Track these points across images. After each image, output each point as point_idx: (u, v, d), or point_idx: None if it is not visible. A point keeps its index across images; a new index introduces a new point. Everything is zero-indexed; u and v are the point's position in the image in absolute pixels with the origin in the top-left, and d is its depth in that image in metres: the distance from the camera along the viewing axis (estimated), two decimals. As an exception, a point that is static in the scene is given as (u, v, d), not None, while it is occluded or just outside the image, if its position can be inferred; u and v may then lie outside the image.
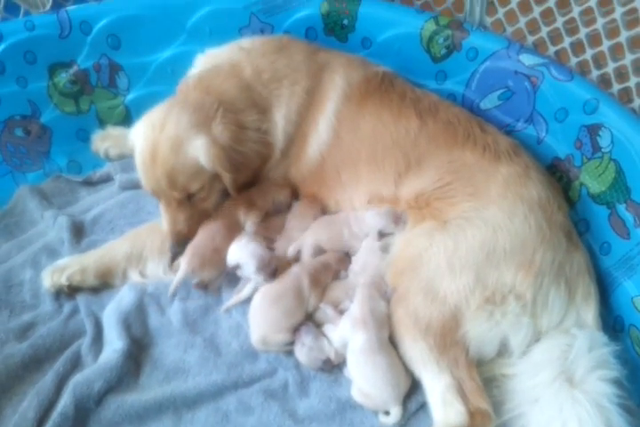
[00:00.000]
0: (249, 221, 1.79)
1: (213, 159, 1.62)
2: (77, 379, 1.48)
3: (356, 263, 1.71)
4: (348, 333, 1.51)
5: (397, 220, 1.70)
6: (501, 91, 1.91)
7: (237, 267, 1.64)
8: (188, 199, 1.69)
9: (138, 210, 1.98)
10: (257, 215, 1.81)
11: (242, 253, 1.65)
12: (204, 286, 1.71)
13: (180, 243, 1.71)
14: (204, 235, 1.73)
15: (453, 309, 1.46)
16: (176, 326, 1.64)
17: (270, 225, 1.83)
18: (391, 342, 1.51)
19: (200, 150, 1.61)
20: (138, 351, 1.58)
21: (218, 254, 1.69)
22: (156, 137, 1.62)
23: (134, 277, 1.75)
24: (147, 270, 1.76)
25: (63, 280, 1.69)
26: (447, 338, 1.45)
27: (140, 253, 1.75)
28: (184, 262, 1.67)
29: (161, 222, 1.75)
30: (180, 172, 1.62)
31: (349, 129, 1.79)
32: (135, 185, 1.99)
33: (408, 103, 1.78)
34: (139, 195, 2.01)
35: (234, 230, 1.75)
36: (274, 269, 1.63)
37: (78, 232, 1.90)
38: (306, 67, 1.82)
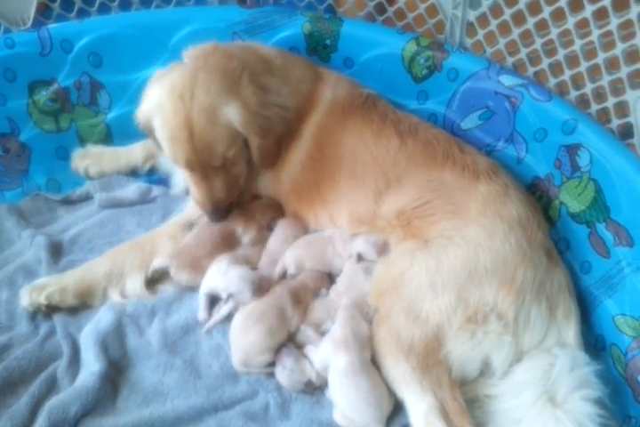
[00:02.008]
0: (247, 234, 1.80)
1: (245, 123, 1.61)
2: (53, 402, 1.44)
3: (341, 284, 1.71)
4: (329, 354, 1.49)
5: (381, 251, 1.70)
6: (482, 111, 1.92)
7: (230, 296, 1.63)
8: (222, 166, 1.68)
9: (117, 229, 1.96)
10: (254, 229, 1.82)
11: (229, 280, 1.63)
12: (177, 287, 1.72)
13: (222, 211, 1.73)
14: (197, 237, 1.74)
15: (435, 329, 1.45)
16: (155, 347, 1.62)
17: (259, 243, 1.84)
18: (373, 363, 1.49)
19: (233, 115, 1.59)
20: (115, 374, 1.55)
21: (202, 261, 1.69)
22: (187, 108, 1.57)
23: (114, 296, 1.73)
24: (127, 289, 1.74)
25: (42, 299, 1.67)
26: (430, 358, 1.44)
27: (121, 271, 1.74)
28: (165, 257, 1.69)
29: (193, 197, 1.75)
30: (219, 140, 1.60)
31: (330, 142, 1.79)
32: (115, 204, 1.97)
33: (389, 123, 1.79)
34: (118, 214, 1.99)
35: (228, 241, 1.77)
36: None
37: (56, 252, 1.87)
38: (310, 70, 1.87)
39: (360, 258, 1.71)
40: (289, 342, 1.57)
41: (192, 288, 1.73)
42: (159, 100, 1.63)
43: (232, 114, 1.59)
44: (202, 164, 1.64)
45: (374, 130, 1.77)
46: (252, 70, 1.70)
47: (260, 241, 1.83)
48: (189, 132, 1.58)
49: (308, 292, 1.69)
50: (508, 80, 1.84)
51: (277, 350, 1.54)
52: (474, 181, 1.65)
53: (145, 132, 1.74)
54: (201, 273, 1.70)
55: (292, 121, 1.77)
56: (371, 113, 1.81)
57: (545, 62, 1.80)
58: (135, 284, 1.74)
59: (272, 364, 1.54)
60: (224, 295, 1.64)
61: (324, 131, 1.80)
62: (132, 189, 2.09)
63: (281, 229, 1.85)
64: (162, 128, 1.63)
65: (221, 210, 1.74)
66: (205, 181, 1.69)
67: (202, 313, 1.67)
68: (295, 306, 1.62)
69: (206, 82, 1.59)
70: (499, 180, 1.68)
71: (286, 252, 1.76)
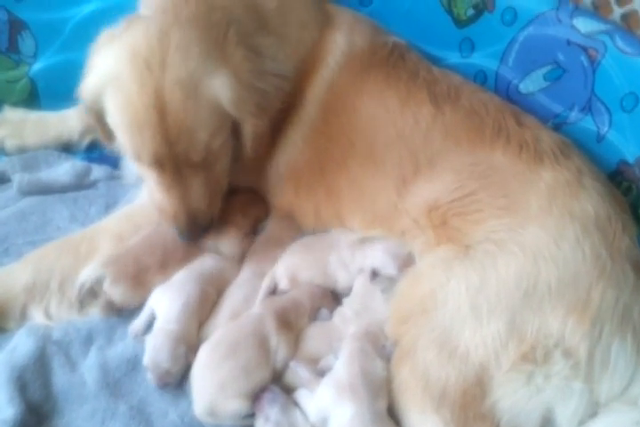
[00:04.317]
0: (228, 244, 1.84)
1: (238, 100, 1.61)
2: (-53, 466, 1.44)
3: (349, 306, 1.72)
4: (329, 403, 1.47)
5: (403, 266, 1.71)
6: (548, 68, 1.92)
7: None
8: (201, 162, 1.67)
9: (43, 224, 1.96)
10: (237, 236, 1.86)
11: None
12: (108, 307, 1.72)
13: (199, 228, 1.74)
14: (147, 240, 1.78)
15: (478, 369, 1.44)
16: (91, 387, 1.61)
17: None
18: (390, 416, 1.48)
19: (222, 89, 1.59)
20: (36, 423, 1.53)
21: (149, 274, 1.73)
22: (157, 82, 1.55)
23: (37, 316, 1.73)
24: (53, 308, 1.74)
25: None
26: (469, 410, 1.42)
27: (47, 282, 1.73)
28: (98, 263, 1.71)
29: (157, 206, 1.74)
30: (202, 126, 1.60)
31: (342, 111, 1.81)
32: (41, 189, 1.97)
33: (421, 84, 1.80)
34: (45, 203, 2.00)
35: (189, 250, 1.79)
36: None
37: (-41, 253, 1.88)
38: (316, 11, 1.89)
39: (375, 275, 1.73)
40: (273, 385, 1.55)
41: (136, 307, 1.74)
42: (115, 70, 1.59)
43: (220, 88, 1.59)
44: (176, 160, 1.62)
45: (401, 93, 1.79)
46: (241, 25, 1.68)
47: (244, 253, 1.87)
48: (160, 113, 1.55)
49: (301, 313, 1.69)
50: (585, 25, 1.83)
51: (257, 396, 1.51)
52: (535, 166, 1.65)
53: (89, 115, 1.72)
54: (144, 290, 1.71)
55: (293, 83, 1.80)
56: (397, 70, 1.83)
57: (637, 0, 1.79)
58: (65, 300, 1.73)
59: (250, 414, 1.51)
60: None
61: (335, 94, 1.83)
62: (65, 169, 2.09)
63: (271, 232, 1.88)
64: (119, 110, 1.60)
65: (199, 226, 1.74)
66: (179, 184, 1.68)
67: (138, 323, 1.68)
68: (283, 333, 1.61)
69: (182, 44, 1.57)
70: (570, 164, 1.67)
71: (278, 261, 1.79)
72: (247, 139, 1.70)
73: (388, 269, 1.71)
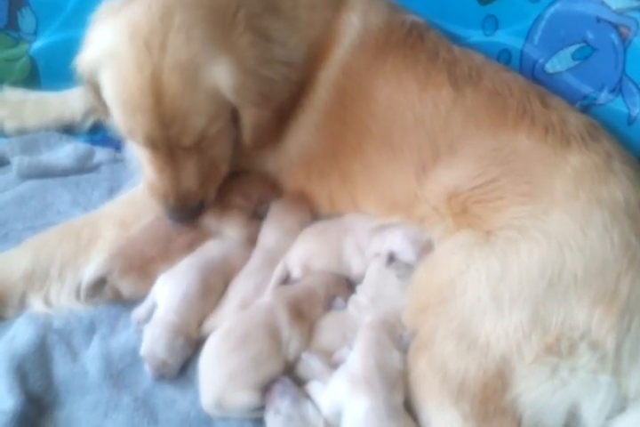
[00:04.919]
0: (230, 227, 1.84)
1: (240, 88, 1.62)
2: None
3: (364, 294, 1.71)
4: (343, 396, 1.47)
5: (422, 252, 1.72)
6: (577, 46, 1.91)
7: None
8: (196, 146, 1.69)
9: (43, 208, 1.97)
10: (240, 219, 1.86)
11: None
12: (111, 295, 1.73)
13: (190, 209, 1.75)
14: (149, 231, 1.79)
15: (499, 361, 1.44)
16: (94, 377, 1.62)
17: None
18: (407, 410, 1.48)
19: (223, 76, 1.60)
20: (36, 414, 1.55)
21: (152, 264, 1.74)
22: (156, 63, 1.56)
23: (36, 305, 1.75)
24: (54, 296, 1.75)
25: None
26: (490, 404, 1.42)
27: (47, 269, 1.75)
28: (103, 258, 1.71)
29: (148, 183, 1.76)
30: (199, 112, 1.61)
31: (357, 94, 1.82)
32: (41, 172, 1.98)
33: (440, 66, 1.80)
34: (45, 187, 2.01)
35: (195, 236, 1.81)
36: None
37: (-44, 239, 1.89)
38: None
39: (392, 259, 1.73)
40: (284, 377, 1.55)
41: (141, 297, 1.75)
42: (113, 46, 1.60)
43: (221, 75, 1.60)
44: (169, 142, 1.64)
45: (419, 75, 1.79)
46: (251, 8, 1.68)
47: (250, 237, 1.86)
48: (156, 97, 1.57)
49: (315, 302, 1.70)
50: (616, 1, 1.81)
51: (268, 388, 1.52)
52: (562, 150, 1.65)
53: (86, 88, 1.74)
54: (152, 279, 1.72)
55: (304, 68, 1.81)
56: (415, 50, 1.83)
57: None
58: (66, 288, 1.75)
59: (260, 407, 1.51)
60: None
61: (350, 77, 1.84)
62: (66, 151, 2.10)
63: (279, 216, 1.86)
64: (115, 89, 1.62)
65: (189, 207, 1.75)
66: (171, 164, 1.70)
67: (141, 310, 1.70)
68: (295, 323, 1.62)
69: (185, 25, 1.58)
70: (598, 147, 1.67)
71: (291, 248, 1.80)
72: (246, 128, 1.71)
73: (407, 254, 1.71)
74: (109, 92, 1.64)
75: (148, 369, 1.59)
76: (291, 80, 1.76)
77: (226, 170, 1.83)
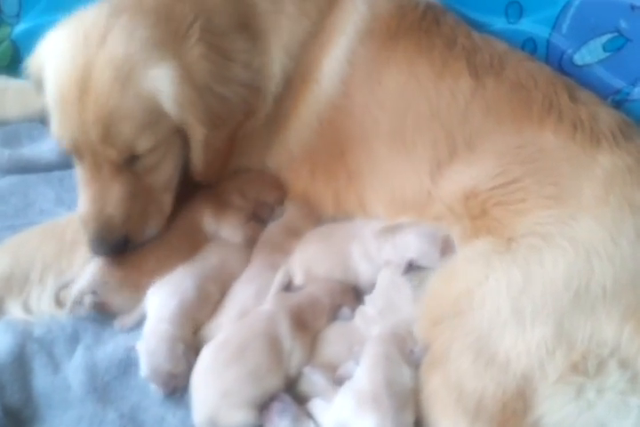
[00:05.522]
0: (225, 227, 1.84)
1: (183, 100, 1.61)
2: None
3: (373, 304, 1.71)
4: (349, 415, 1.45)
5: (446, 249, 1.71)
6: (609, 37, 1.91)
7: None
8: (128, 165, 1.67)
9: (25, 206, 1.98)
10: (236, 218, 1.86)
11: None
12: (100, 308, 1.71)
13: (110, 242, 1.69)
14: None
15: (520, 380, 1.43)
16: (77, 391, 1.61)
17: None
18: None
19: (163, 83, 1.60)
20: None
21: (148, 275, 1.72)
22: (89, 55, 1.58)
23: (15, 311, 1.74)
24: (34, 301, 1.74)
25: None
26: (509, 426, 1.41)
27: (27, 273, 1.75)
28: (94, 266, 1.70)
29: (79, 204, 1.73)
30: (124, 115, 1.60)
31: (366, 84, 1.81)
32: (23, 167, 1.99)
33: (459, 53, 1.80)
34: (27, 183, 2.02)
35: (192, 242, 1.82)
36: None
37: None
38: None
39: (411, 267, 1.72)
40: (284, 394, 1.54)
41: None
42: (57, 42, 1.66)
43: (160, 81, 1.60)
44: (94, 152, 1.63)
45: (435, 62, 1.79)
46: (210, 25, 1.69)
47: (251, 239, 1.86)
48: (82, 91, 1.58)
49: (319, 312, 1.70)
50: None
51: (266, 406, 1.50)
52: (591, 149, 1.64)
53: (36, 89, 1.76)
54: (144, 292, 1.70)
55: (304, 59, 1.83)
56: (430, 35, 1.82)
57: None
58: (47, 293, 1.74)
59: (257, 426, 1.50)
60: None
61: (357, 67, 1.83)
62: (50, 145, 2.10)
63: (286, 219, 1.88)
64: (49, 82, 1.65)
65: (108, 239, 1.70)
66: (96, 182, 1.68)
67: (128, 317, 1.70)
68: (297, 334, 1.62)
69: (131, 25, 1.62)
70: (631, 147, 1.67)
71: (293, 252, 1.80)
72: (195, 150, 1.70)
73: (428, 258, 1.71)
74: (46, 89, 1.66)
75: (155, 389, 1.57)
76: (248, 103, 1.76)
77: (169, 204, 1.80)
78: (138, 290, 1.72)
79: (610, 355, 1.42)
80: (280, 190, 1.96)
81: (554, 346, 1.42)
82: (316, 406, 1.53)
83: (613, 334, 1.43)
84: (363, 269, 1.77)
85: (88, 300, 1.68)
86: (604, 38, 1.90)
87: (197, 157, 1.72)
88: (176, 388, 1.56)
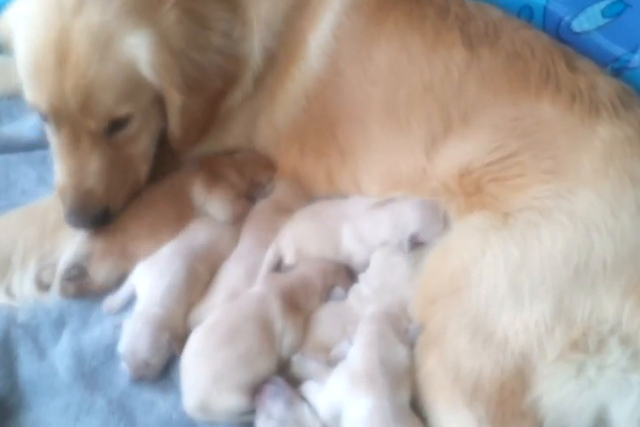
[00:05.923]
0: (216, 201, 1.84)
1: (159, 66, 1.62)
2: None
3: (367, 283, 1.71)
4: (343, 396, 1.46)
5: (444, 219, 1.72)
6: (607, 2, 1.89)
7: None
8: (107, 135, 1.67)
9: (6, 187, 1.96)
10: (227, 193, 1.86)
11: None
12: (82, 288, 1.70)
13: (89, 214, 1.70)
14: (134, 204, 1.80)
15: (518, 359, 1.42)
16: (64, 377, 1.60)
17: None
18: (414, 411, 1.47)
19: (140, 50, 1.60)
20: (0, 417, 1.52)
21: (135, 244, 1.74)
22: (65, 23, 1.57)
23: None
24: (16, 286, 1.74)
25: None
26: (507, 407, 1.41)
27: (8, 256, 1.75)
28: (77, 241, 1.71)
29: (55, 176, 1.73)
30: (104, 84, 1.60)
31: (354, 59, 1.80)
32: (3, 146, 1.97)
33: (452, 23, 1.79)
34: (7, 163, 2.01)
35: (180, 214, 1.82)
36: None
37: None
38: None
39: (416, 243, 1.71)
40: (277, 377, 1.54)
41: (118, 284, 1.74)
42: (28, 7, 1.65)
43: (139, 48, 1.60)
44: (72, 118, 1.62)
45: (427, 34, 1.78)
46: None
47: (238, 217, 1.85)
48: (60, 60, 1.57)
49: (311, 292, 1.69)
50: None
51: (258, 389, 1.50)
52: (590, 120, 1.63)
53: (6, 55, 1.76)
54: (130, 263, 1.71)
55: (288, 33, 1.83)
56: (422, 5, 1.82)
57: None
58: (30, 277, 1.73)
59: (250, 411, 1.50)
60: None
61: (345, 41, 1.83)
62: (31, 123, 2.09)
63: (277, 196, 1.88)
64: (22, 48, 1.64)
65: (89, 213, 1.70)
66: (75, 153, 1.68)
67: (116, 298, 1.69)
68: (289, 315, 1.61)
69: None
70: (631, 117, 1.65)
71: (283, 231, 1.80)
72: (173, 116, 1.70)
73: (431, 227, 1.70)
74: (18, 55, 1.64)
75: (125, 369, 1.56)
76: (225, 71, 1.76)
77: (145, 173, 1.82)
78: (124, 258, 1.73)
79: (611, 332, 1.42)
80: (272, 170, 1.96)
81: (553, 323, 1.42)
82: (310, 388, 1.53)
83: (614, 310, 1.42)
84: (355, 250, 1.77)
85: (73, 273, 1.67)
86: (603, 4, 1.89)
87: (174, 124, 1.72)
88: (144, 376, 1.56)
